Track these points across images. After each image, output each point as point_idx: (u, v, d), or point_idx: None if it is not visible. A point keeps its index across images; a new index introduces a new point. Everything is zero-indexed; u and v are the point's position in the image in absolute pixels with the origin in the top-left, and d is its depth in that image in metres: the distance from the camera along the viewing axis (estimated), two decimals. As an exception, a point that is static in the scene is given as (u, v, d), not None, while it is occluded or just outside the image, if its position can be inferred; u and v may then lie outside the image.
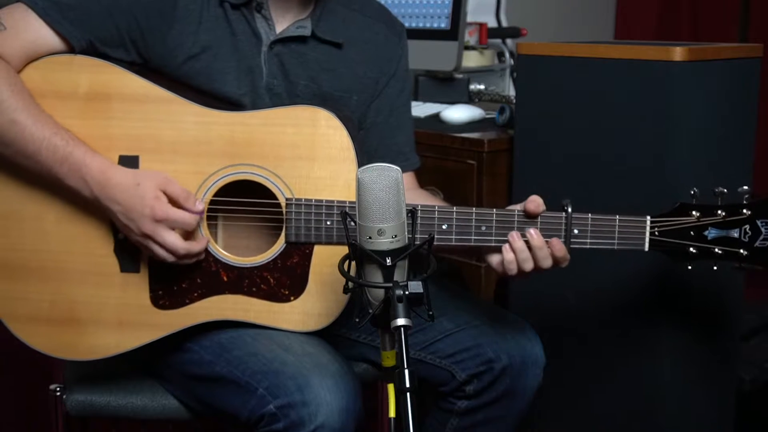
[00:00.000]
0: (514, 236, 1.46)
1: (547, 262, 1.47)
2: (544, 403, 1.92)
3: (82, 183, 1.51)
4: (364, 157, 1.59)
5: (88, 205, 1.54)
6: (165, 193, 1.49)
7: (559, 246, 1.46)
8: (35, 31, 1.54)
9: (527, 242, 1.46)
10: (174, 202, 1.50)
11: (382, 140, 1.72)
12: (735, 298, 2.08)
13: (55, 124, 1.52)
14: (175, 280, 1.56)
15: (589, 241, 1.49)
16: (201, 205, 1.52)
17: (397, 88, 1.74)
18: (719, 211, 1.47)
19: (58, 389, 1.67)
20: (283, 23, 1.63)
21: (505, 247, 1.47)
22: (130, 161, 1.55)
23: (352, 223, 1.26)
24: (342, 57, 1.67)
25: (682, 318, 1.94)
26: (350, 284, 1.27)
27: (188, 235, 1.52)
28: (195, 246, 1.51)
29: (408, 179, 1.74)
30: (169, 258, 1.50)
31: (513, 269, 1.47)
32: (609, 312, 2.03)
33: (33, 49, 1.54)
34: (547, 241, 1.46)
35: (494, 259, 1.51)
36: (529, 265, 1.46)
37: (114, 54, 1.57)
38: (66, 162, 1.50)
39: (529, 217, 1.48)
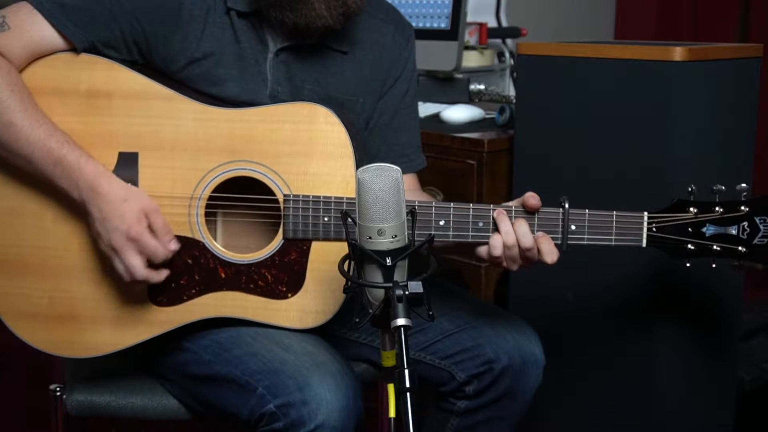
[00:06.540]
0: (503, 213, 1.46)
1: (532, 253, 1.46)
2: (544, 403, 1.92)
3: (73, 186, 1.51)
4: (366, 157, 1.59)
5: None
6: (147, 219, 1.50)
7: (546, 239, 1.46)
8: (39, 31, 1.54)
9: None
10: (152, 232, 1.50)
11: (384, 141, 1.72)
12: (735, 298, 2.08)
13: (52, 127, 1.52)
14: (173, 276, 1.56)
15: (586, 236, 1.49)
16: (175, 245, 1.52)
17: (402, 89, 1.73)
18: (717, 208, 1.47)
19: (58, 389, 1.67)
20: (289, 31, 1.62)
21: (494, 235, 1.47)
22: (129, 158, 1.55)
23: (351, 221, 1.26)
24: (348, 60, 1.67)
25: (682, 318, 1.94)
26: (350, 284, 1.27)
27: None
28: (154, 276, 1.52)
29: (409, 181, 1.74)
30: (126, 277, 1.51)
31: (498, 253, 1.46)
32: (609, 312, 2.03)
33: (36, 49, 1.55)
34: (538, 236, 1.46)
35: (483, 248, 1.50)
36: (514, 251, 1.46)
37: (116, 55, 1.58)
38: (59, 164, 1.50)
39: (529, 212, 1.48)
